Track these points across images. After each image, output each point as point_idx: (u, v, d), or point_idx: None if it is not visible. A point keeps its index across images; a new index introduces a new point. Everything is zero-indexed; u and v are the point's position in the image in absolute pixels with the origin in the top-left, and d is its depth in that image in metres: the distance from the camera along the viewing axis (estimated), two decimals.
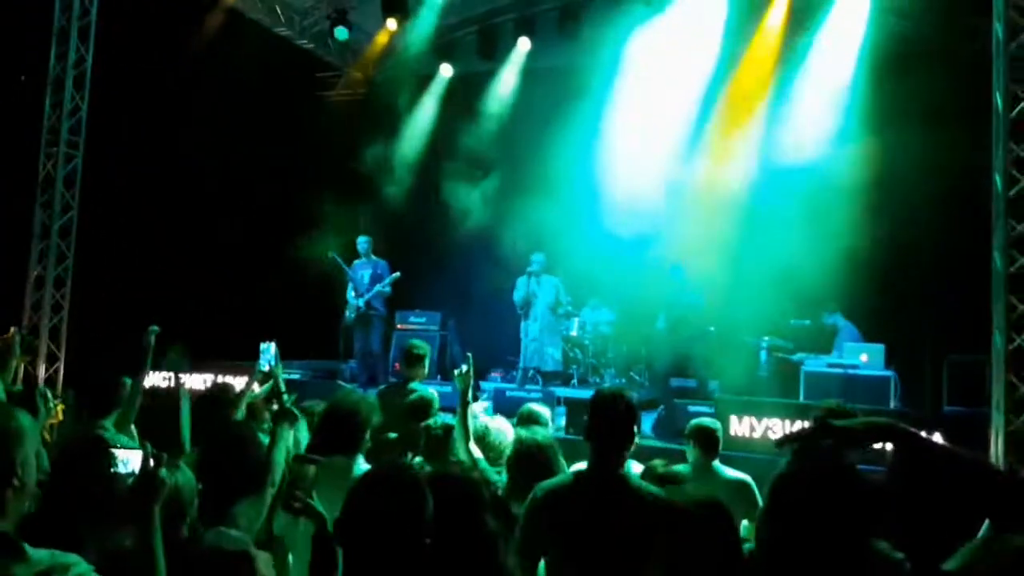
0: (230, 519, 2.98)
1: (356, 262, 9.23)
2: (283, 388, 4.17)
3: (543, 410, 4.65)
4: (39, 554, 1.89)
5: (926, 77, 8.29)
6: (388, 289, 9.06)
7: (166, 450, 2.91)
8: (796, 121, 9.45)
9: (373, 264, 9.15)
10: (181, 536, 2.59)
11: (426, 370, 5.28)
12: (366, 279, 9.07)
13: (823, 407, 4.26)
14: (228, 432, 3.59)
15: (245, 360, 7.81)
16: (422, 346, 5.32)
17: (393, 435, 4.43)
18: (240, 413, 4.08)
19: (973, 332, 6.60)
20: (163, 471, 2.55)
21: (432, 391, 4.76)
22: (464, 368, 3.81)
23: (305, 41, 10.86)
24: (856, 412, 3.91)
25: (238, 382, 6.58)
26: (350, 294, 9.15)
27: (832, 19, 9.28)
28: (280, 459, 3.63)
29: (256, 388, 4.71)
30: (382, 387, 6.50)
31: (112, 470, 2.47)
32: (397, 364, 9.28)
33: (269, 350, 4.31)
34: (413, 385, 5.03)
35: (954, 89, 7.43)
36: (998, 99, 6.03)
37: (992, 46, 6.13)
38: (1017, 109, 5.97)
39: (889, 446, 1.69)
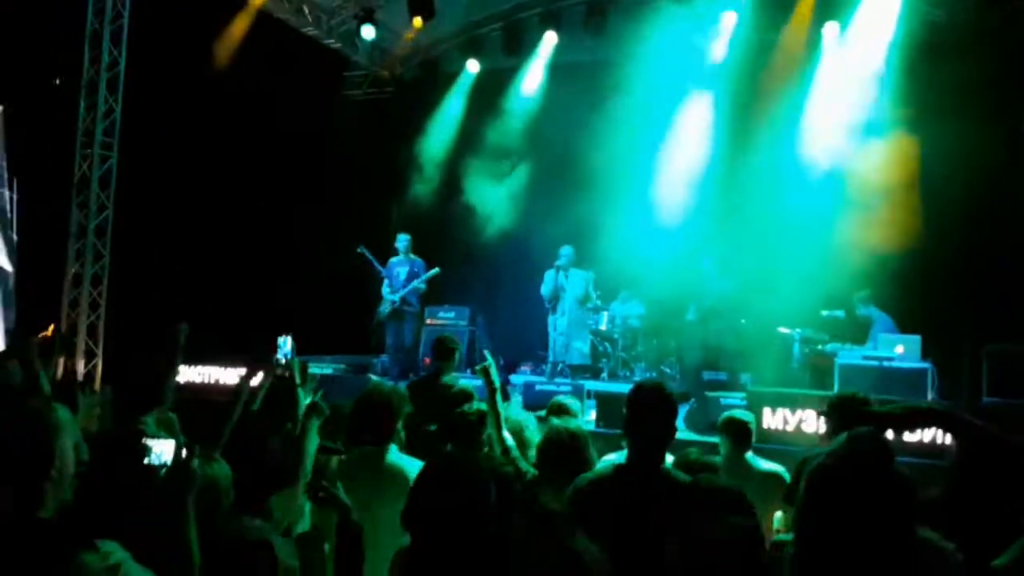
0: (266, 511, 3.02)
1: (393, 259, 9.37)
2: (299, 379, 4.21)
3: (573, 403, 4.63)
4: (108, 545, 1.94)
5: (960, 65, 8.13)
6: (424, 286, 9.19)
7: (204, 442, 2.96)
8: (829, 112, 9.32)
9: (411, 262, 9.27)
10: (216, 526, 2.63)
11: (456, 363, 5.31)
12: (403, 276, 9.19)
13: (836, 396, 4.18)
14: (256, 426, 3.64)
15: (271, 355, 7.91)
16: (454, 340, 5.41)
17: (432, 426, 4.45)
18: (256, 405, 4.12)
19: (1012, 322, 6.46)
20: (195, 462, 2.59)
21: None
22: (485, 364, 3.80)
23: (332, 40, 10.92)
24: (872, 400, 3.85)
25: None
26: (385, 290, 9.26)
27: (863, 9, 9.12)
28: (311, 451, 3.68)
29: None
30: (413, 379, 6.54)
31: (146, 461, 2.51)
32: (427, 359, 9.32)
33: (286, 343, 4.36)
34: (446, 378, 5.05)
35: (989, 77, 7.27)
36: None
37: None
38: None
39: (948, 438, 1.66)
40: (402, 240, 9.34)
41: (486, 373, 3.73)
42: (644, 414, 2.78)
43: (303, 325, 8.16)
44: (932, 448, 5.76)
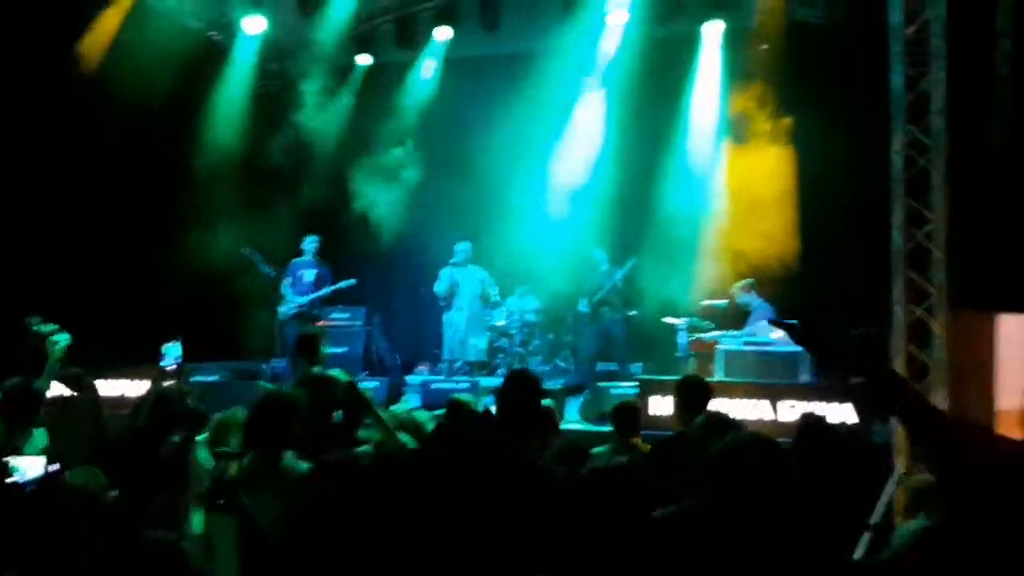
0: (145, 518, 2.94)
1: (297, 260, 9.19)
2: (186, 388, 4.11)
3: (470, 400, 4.67)
4: None
5: (828, 60, 8.66)
6: (330, 293, 9.09)
7: (75, 454, 2.84)
8: (706, 113, 9.71)
9: (318, 265, 9.13)
10: (100, 537, 2.54)
11: (321, 357, 5.13)
12: (309, 278, 9.02)
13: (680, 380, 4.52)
14: (134, 436, 3.52)
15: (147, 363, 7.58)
16: (317, 332, 5.22)
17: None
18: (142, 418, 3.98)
19: (876, 306, 6.94)
20: (66, 475, 2.49)
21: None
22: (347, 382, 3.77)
23: (215, 32, 10.53)
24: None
25: (139, 386, 6.39)
26: (287, 291, 9.06)
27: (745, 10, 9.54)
28: (197, 459, 3.59)
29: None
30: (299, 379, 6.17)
31: (11, 480, 2.40)
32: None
33: (174, 349, 4.20)
34: (335, 373, 4.93)
35: (855, 72, 7.75)
36: (896, 83, 6.31)
37: (889, 32, 6.40)
38: (914, 92, 6.26)
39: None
40: (310, 242, 9.19)
41: (352, 387, 3.70)
42: (506, 402, 2.87)
43: (186, 330, 7.87)
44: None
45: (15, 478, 2.34)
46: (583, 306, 9.07)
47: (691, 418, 3.53)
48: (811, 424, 3.84)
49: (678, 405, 4.21)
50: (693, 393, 4.15)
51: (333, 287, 9.04)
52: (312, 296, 9.01)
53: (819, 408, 6.41)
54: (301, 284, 9.07)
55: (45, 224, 8.55)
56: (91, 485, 2.72)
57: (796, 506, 1.90)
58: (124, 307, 8.96)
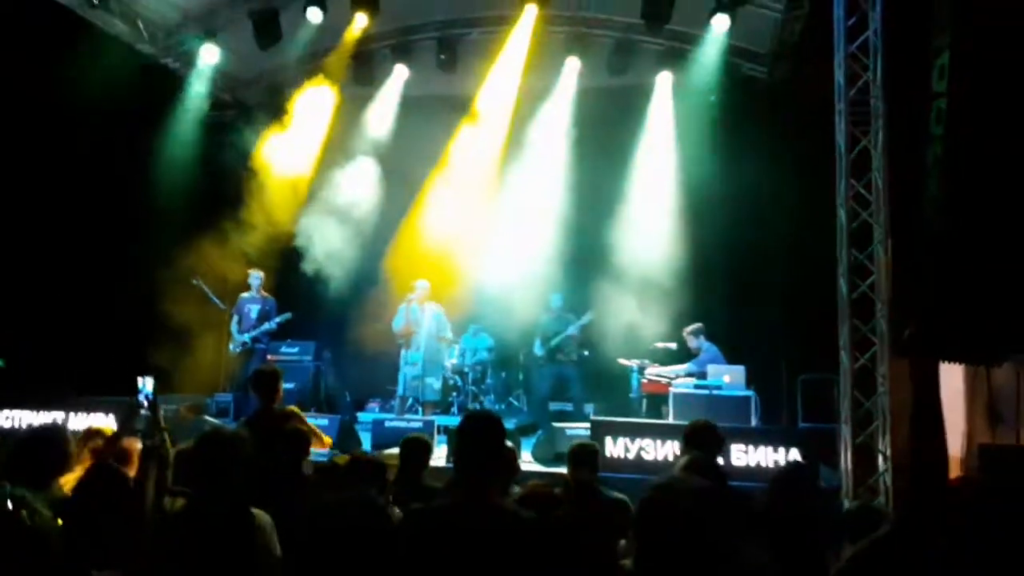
0: (103, 548, 2.85)
1: (244, 296, 9.21)
2: (163, 423, 3.98)
3: (426, 438, 4.63)
4: None
5: (773, 118, 9.02)
6: (275, 327, 9.10)
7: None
8: (659, 160, 9.97)
9: (263, 301, 9.16)
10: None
11: (281, 395, 5.03)
12: (254, 315, 9.07)
13: (690, 425, 4.57)
14: (101, 473, 3.40)
15: (108, 395, 7.39)
16: (274, 370, 5.02)
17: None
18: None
19: (821, 353, 7.16)
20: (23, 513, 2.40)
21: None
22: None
23: (170, 60, 10.40)
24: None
25: (94, 419, 6.17)
26: (234, 328, 9.13)
27: (693, 63, 9.88)
28: (151, 493, 3.48)
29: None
30: (247, 417, 5.90)
31: None
32: None
33: (147, 384, 4.08)
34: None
35: (802, 129, 8.08)
36: (840, 140, 6.61)
37: (835, 92, 6.71)
38: (856, 149, 6.56)
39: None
40: (255, 278, 9.21)
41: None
42: (470, 444, 2.79)
43: (128, 362, 7.67)
44: (766, 472, 6.26)
45: None
46: (537, 348, 9.13)
47: None
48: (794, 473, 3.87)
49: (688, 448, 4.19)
50: (702, 438, 4.17)
51: (275, 321, 9.01)
52: (255, 332, 8.99)
53: (767, 452, 6.58)
54: (247, 320, 9.07)
55: None
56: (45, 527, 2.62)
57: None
58: (66, 338, 8.69)
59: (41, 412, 7.79)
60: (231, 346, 9.13)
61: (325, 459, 4.27)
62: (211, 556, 2.85)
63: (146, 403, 3.90)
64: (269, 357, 9.72)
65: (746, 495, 3.79)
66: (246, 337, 9.00)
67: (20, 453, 3.23)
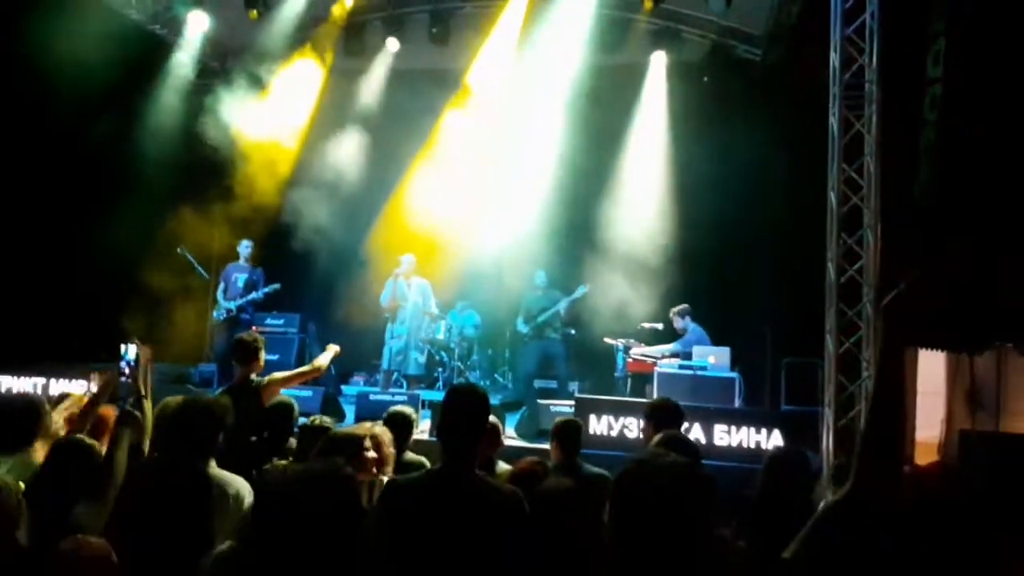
0: (70, 522, 2.81)
1: (232, 265, 9.14)
2: (143, 392, 3.94)
3: (410, 412, 4.60)
4: None
5: (767, 100, 8.97)
6: (262, 297, 9.04)
7: None
8: (649, 139, 9.92)
9: (250, 270, 9.09)
10: (19, 544, 2.42)
11: (262, 364, 4.89)
12: (240, 283, 9.00)
13: (653, 401, 4.56)
14: (64, 438, 3.35)
15: (90, 362, 7.31)
16: (256, 338, 4.88)
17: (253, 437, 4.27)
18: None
19: (805, 337, 7.18)
20: None
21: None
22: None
23: (158, 27, 10.21)
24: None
25: (74, 386, 6.10)
26: (220, 295, 9.04)
27: (686, 43, 9.81)
28: (122, 461, 3.43)
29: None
30: (227, 387, 5.76)
31: None
32: None
33: (130, 351, 4.04)
34: (254, 381, 4.77)
35: (795, 112, 8.05)
36: (833, 124, 6.58)
37: (830, 75, 6.67)
38: (850, 134, 6.54)
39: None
40: (244, 247, 9.16)
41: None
42: (455, 417, 2.77)
43: (109, 329, 7.61)
44: (747, 452, 6.29)
45: None
46: (521, 326, 9.12)
47: None
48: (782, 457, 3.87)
49: (647, 428, 4.18)
50: (663, 416, 4.15)
51: (262, 291, 8.95)
52: (241, 301, 8.93)
53: (749, 434, 6.60)
54: (233, 288, 9.02)
55: None
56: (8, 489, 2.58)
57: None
58: (48, 305, 8.59)
59: (21, 377, 7.73)
60: (215, 313, 9.08)
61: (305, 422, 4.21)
62: (163, 516, 2.84)
63: (127, 369, 3.86)
64: (254, 328, 9.67)
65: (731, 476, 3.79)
66: (231, 305, 8.93)
67: None
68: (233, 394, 4.65)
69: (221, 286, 9.09)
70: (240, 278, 9.03)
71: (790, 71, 8.82)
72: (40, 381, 7.59)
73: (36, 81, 8.12)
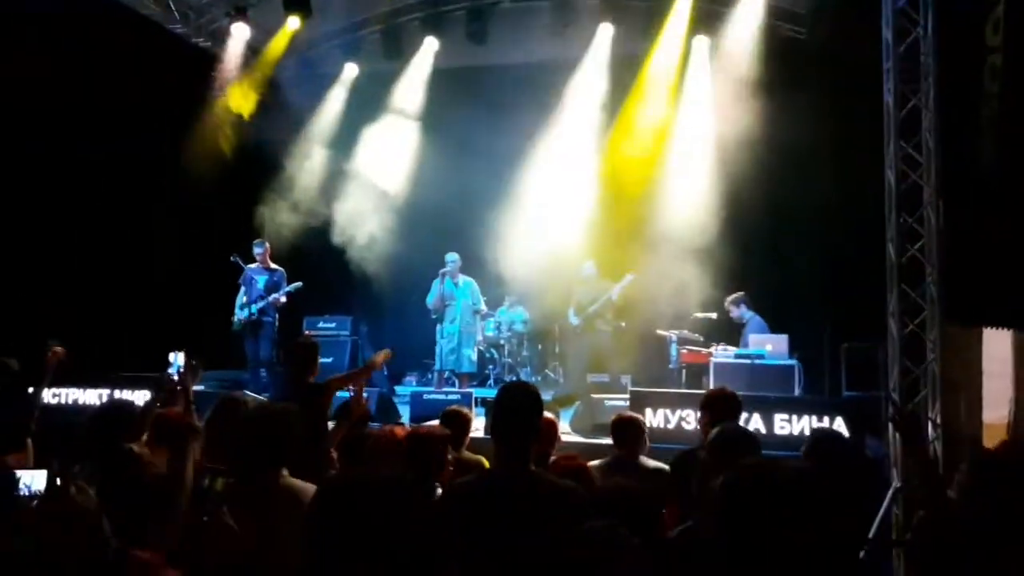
0: (138, 538, 2.83)
1: (249, 268, 8.87)
2: (192, 400, 3.98)
3: (466, 410, 4.60)
4: None
5: (815, 80, 8.74)
6: (284, 298, 8.76)
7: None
8: (696, 123, 9.74)
9: (270, 272, 8.84)
10: (98, 555, 2.44)
11: (318, 368, 4.87)
12: (261, 285, 8.73)
13: (708, 392, 4.47)
14: (125, 451, 3.39)
15: (144, 371, 7.46)
16: (311, 342, 4.92)
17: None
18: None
19: (864, 321, 6.99)
20: (72, 490, 2.39)
21: None
22: None
23: (202, 39, 10.40)
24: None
25: (137, 396, 6.22)
26: (240, 299, 8.81)
27: (730, 25, 9.60)
28: (189, 475, 3.46)
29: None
30: (282, 392, 5.62)
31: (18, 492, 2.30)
32: None
33: (178, 359, 4.10)
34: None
35: (843, 90, 7.83)
36: (889, 99, 6.37)
37: (883, 50, 6.47)
38: (906, 108, 6.32)
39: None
40: (258, 247, 8.88)
41: None
42: (508, 416, 2.76)
43: (169, 337, 7.73)
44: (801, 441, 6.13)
45: (22, 491, 2.23)
46: (572, 318, 9.05)
47: None
48: (825, 439, 3.77)
49: (704, 419, 4.11)
50: (721, 406, 4.07)
51: (284, 291, 8.72)
52: (262, 304, 8.67)
53: (811, 422, 6.44)
54: (254, 291, 8.75)
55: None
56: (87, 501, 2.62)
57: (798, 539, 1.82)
58: (103, 318, 8.80)
59: (88, 390, 7.91)
60: (235, 318, 8.75)
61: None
62: (267, 535, 2.82)
63: (177, 377, 3.93)
64: (307, 331, 9.78)
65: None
66: (253, 309, 8.65)
67: (94, 427, 3.20)
68: (295, 400, 4.70)
69: (241, 290, 8.83)
70: (259, 280, 8.76)
71: (837, 49, 8.58)
72: (105, 392, 7.76)
73: (85, 102, 8.33)
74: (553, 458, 4.51)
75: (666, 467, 4.31)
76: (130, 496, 3.05)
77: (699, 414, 4.33)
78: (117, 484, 3.16)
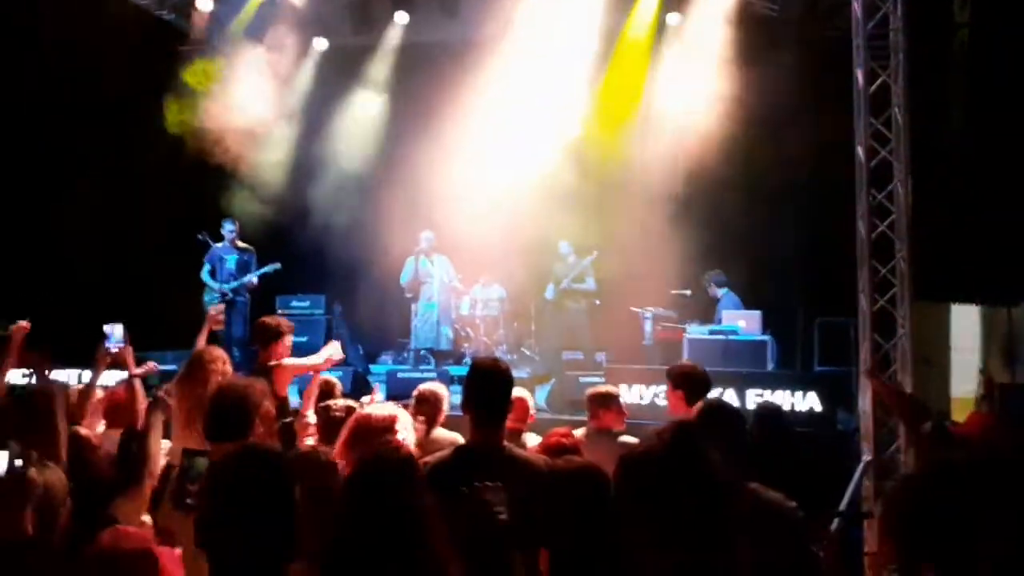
0: (107, 516, 2.79)
1: (217, 246, 8.74)
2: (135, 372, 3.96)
3: (441, 389, 4.57)
4: None
5: (787, 57, 8.73)
6: (257, 280, 8.65)
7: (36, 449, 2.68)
8: (672, 98, 9.70)
9: (239, 251, 8.72)
10: (57, 537, 2.40)
11: (289, 347, 4.72)
12: (231, 265, 8.62)
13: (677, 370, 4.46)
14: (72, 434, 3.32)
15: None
16: (281, 323, 4.76)
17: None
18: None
19: (837, 296, 7.06)
20: (31, 471, 2.34)
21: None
22: None
23: (165, 12, 10.13)
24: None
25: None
26: (206, 277, 8.66)
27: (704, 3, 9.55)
28: (156, 450, 3.42)
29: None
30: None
31: None
32: None
33: (115, 332, 4.05)
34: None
35: (815, 67, 7.85)
36: (858, 75, 6.39)
37: (852, 26, 6.47)
38: (875, 85, 6.35)
39: None
40: (228, 226, 8.73)
41: None
42: (480, 393, 2.79)
43: (135, 317, 7.58)
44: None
45: None
46: (549, 292, 9.04)
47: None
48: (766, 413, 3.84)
49: (675, 396, 4.12)
50: (694, 383, 4.09)
51: (258, 272, 8.63)
52: (235, 284, 8.57)
53: (783, 396, 6.52)
54: (223, 271, 8.63)
55: None
56: (56, 483, 2.57)
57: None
58: (50, 292, 8.60)
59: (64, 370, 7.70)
60: (206, 297, 8.59)
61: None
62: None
63: (115, 350, 3.87)
64: (280, 311, 9.67)
65: None
66: (226, 288, 8.51)
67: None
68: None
69: (206, 267, 8.66)
70: (229, 259, 8.63)
71: (809, 26, 8.60)
72: (85, 373, 7.56)
73: (45, 73, 8.10)
74: (530, 435, 4.53)
75: (636, 440, 4.31)
76: (83, 478, 3.00)
77: (668, 390, 4.32)
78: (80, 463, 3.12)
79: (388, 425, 3.17)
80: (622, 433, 4.39)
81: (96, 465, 3.26)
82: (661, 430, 1.86)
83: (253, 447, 2.44)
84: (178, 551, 2.47)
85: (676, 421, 2.10)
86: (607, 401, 4.43)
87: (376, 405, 3.40)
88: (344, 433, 2.87)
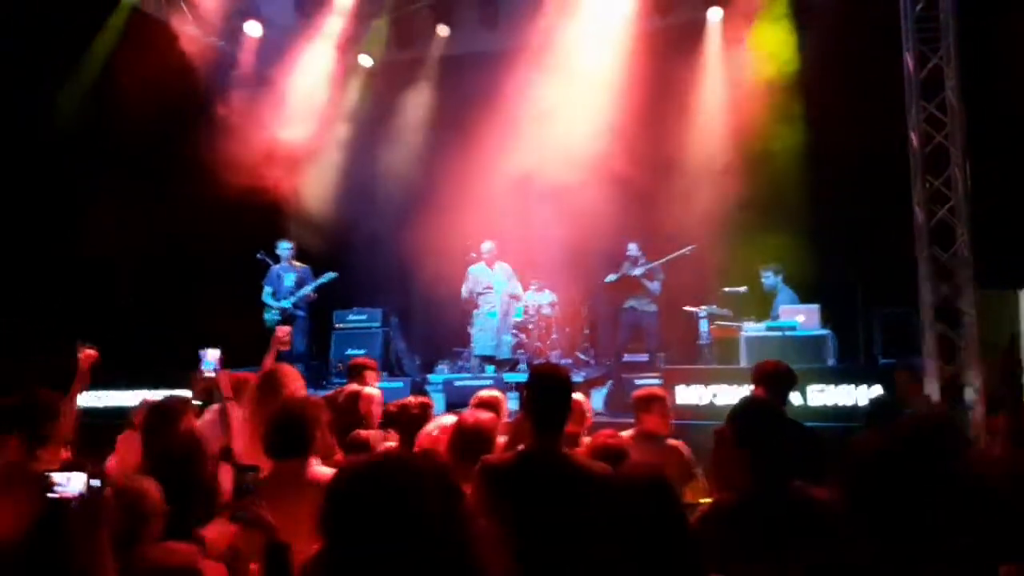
0: (196, 535, 2.85)
1: (276, 267, 9.01)
2: (229, 395, 4.05)
3: (499, 396, 4.59)
4: None
5: (842, 45, 8.54)
6: (315, 292, 8.90)
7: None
8: (720, 94, 9.59)
9: (297, 270, 8.97)
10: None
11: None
12: (289, 283, 8.88)
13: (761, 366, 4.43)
14: (181, 447, 3.44)
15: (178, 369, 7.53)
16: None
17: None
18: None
19: (897, 285, 6.86)
20: (106, 491, 2.43)
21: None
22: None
23: (215, 38, 10.46)
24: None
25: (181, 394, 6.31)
26: (268, 298, 8.91)
27: None
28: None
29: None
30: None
31: (52, 494, 2.34)
32: (340, 365, 9.13)
33: (209, 356, 4.18)
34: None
35: (869, 54, 7.65)
36: (908, 60, 6.24)
37: (900, 9, 6.33)
38: (926, 69, 6.19)
39: None
40: (284, 248, 9.02)
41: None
42: (540, 397, 2.84)
43: (203, 337, 7.80)
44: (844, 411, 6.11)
45: (57, 492, 2.28)
46: (609, 278, 8.89)
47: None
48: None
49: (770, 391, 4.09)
50: (777, 381, 4.06)
51: (316, 283, 8.84)
52: (294, 298, 8.81)
53: (847, 391, 6.35)
54: (283, 289, 8.90)
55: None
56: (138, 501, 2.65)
57: None
58: (133, 319, 8.91)
59: (130, 391, 7.97)
60: (266, 315, 8.83)
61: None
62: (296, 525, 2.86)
63: (214, 374, 3.99)
64: (337, 325, 9.87)
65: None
66: (286, 303, 8.77)
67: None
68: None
69: (267, 290, 8.93)
70: (288, 277, 8.89)
71: (852, 12, 8.40)
72: (150, 393, 7.81)
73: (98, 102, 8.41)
74: (587, 438, 4.52)
75: (679, 444, 4.26)
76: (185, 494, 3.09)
77: (753, 389, 4.30)
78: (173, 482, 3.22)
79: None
80: (668, 436, 4.33)
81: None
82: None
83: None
84: (223, 566, 2.53)
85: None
86: (649, 404, 4.36)
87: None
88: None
